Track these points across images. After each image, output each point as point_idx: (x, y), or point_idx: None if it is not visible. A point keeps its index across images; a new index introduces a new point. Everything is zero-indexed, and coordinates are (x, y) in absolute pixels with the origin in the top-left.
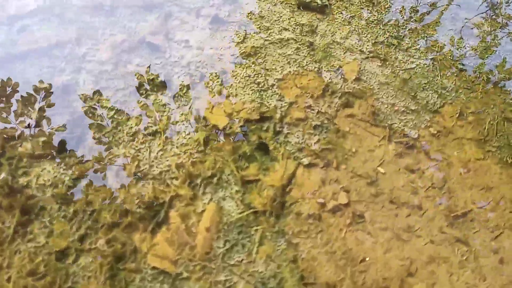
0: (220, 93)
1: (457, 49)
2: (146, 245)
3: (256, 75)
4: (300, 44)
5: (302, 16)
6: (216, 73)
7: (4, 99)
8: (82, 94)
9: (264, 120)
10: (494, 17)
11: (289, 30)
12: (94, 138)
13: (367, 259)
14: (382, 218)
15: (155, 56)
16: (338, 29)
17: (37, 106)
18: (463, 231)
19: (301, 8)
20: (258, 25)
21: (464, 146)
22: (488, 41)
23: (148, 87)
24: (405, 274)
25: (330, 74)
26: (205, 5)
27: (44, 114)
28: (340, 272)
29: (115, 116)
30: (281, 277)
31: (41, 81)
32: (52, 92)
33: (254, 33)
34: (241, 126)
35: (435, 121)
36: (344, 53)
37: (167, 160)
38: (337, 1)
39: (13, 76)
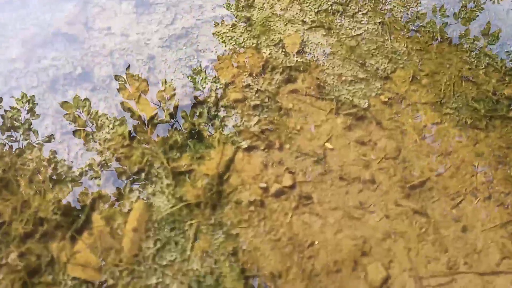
0: (147, 80)
1: (441, 19)
2: (65, 254)
3: (187, 58)
4: (235, 21)
5: None
6: (143, 59)
7: None
8: None
9: (197, 106)
10: None
11: (223, 7)
12: (1, 141)
13: (316, 243)
14: (332, 197)
15: (72, 47)
16: (278, 0)
17: None
18: (420, 202)
19: None
20: (188, 3)
21: (419, 111)
22: (470, 7)
23: (65, 82)
24: (358, 254)
25: (270, 49)
26: None
27: None
28: (286, 260)
29: (27, 116)
30: (219, 273)
31: None
32: None
33: (185, 12)
34: (170, 114)
35: (387, 88)
36: (285, 25)
37: (88, 159)
38: None
39: None
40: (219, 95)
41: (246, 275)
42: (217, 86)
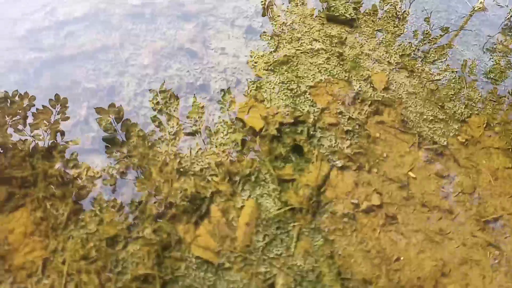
0: (255, 97)
1: (481, 67)
2: (189, 236)
3: (289, 82)
4: (330, 54)
5: (332, 28)
6: (251, 79)
7: (20, 111)
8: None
9: (298, 124)
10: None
11: (319, 41)
12: (138, 136)
13: (401, 258)
14: (414, 221)
15: (193, 62)
16: (366, 41)
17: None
18: (494, 236)
19: (330, 21)
20: (289, 35)
21: (492, 155)
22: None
23: (187, 90)
24: (438, 274)
25: (360, 83)
26: (239, 16)
27: (58, 128)
28: (376, 269)
29: (157, 116)
30: (319, 271)
31: (57, 95)
32: (67, 106)
33: (286, 42)
34: (276, 129)
35: (463, 130)
36: (373, 64)
37: (207, 158)
38: (364, 16)
39: (62, 77)
40: (316, 118)
41: (342, 277)
42: (314, 110)
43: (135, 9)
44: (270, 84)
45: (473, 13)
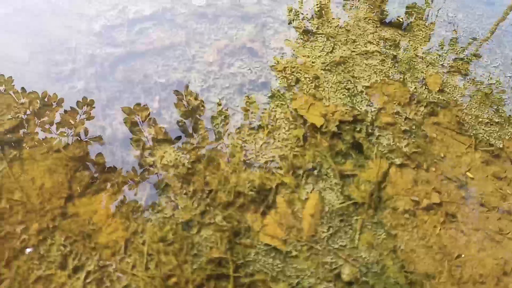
0: (314, 96)
1: None
2: (257, 224)
3: (346, 82)
4: (384, 56)
5: (385, 31)
6: (309, 78)
7: (48, 112)
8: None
9: (357, 122)
10: None
11: (373, 44)
12: (205, 128)
13: (462, 255)
14: (474, 220)
15: (254, 60)
16: (419, 44)
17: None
18: None
19: (383, 24)
20: (344, 37)
21: None
22: None
23: (249, 87)
24: (500, 273)
25: (414, 85)
26: (296, 18)
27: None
28: (438, 265)
29: (223, 111)
30: (384, 264)
31: (84, 98)
32: (94, 107)
33: (342, 44)
34: (336, 126)
35: None
36: (427, 67)
37: (271, 152)
38: (417, 20)
39: (134, 71)
40: (373, 117)
41: (405, 270)
42: (371, 109)
43: (199, 9)
44: (327, 83)
45: None
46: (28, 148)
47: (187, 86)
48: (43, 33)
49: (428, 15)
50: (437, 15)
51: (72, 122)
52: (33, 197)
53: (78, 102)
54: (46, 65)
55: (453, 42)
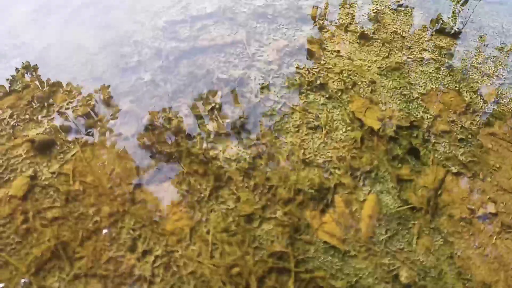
0: (370, 99)
1: None
2: (316, 222)
3: (401, 88)
4: (440, 64)
5: (440, 40)
6: (366, 81)
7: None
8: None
9: (413, 128)
10: None
11: (429, 51)
12: (265, 125)
13: None
14: None
15: (312, 61)
16: (474, 55)
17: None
18: None
19: (438, 32)
20: (400, 43)
21: None
22: None
23: (307, 87)
24: None
25: (470, 95)
26: (352, 22)
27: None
28: (494, 274)
29: (282, 109)
30: (441, 269)
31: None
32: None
33: (397, 50)
34: (394, 131)
35: None
36: (482, 77)
37: (329, 152)
38: (472, 30)
39: (197, 65)
40: (429, 124)
41: (463, 277)
42: (427, 116)
43: (259, 9)
44: (384, 88)
45: None
46: (99, 134)
47: (247, 84)
48: (111, 26)
49: (482, 26)
50: (492, 27)
51: (140, 112)
52: (104, 181)
53: (144, 93)
54: (115, 57)
55: (508, 54)
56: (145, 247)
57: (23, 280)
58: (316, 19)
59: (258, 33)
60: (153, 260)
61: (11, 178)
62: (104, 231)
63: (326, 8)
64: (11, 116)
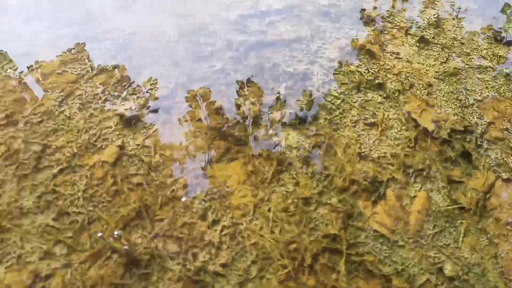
0: (426, 102)
1: None
2: (368, 211)
3: (457, 93)
4: (497, 73)
5: (499, 49)
6: (423, 84)
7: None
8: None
9: (467, 133)
10: None
11: (487, 59)
12: (325, 119)
13: None
14: None
15: (372, 61)
16: None
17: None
18: None
19: (497, 41)
20: (459, 49)
21: None
22: None
23: (366, 86)
24: None
25: None
26: (413, 26)
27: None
28: None
29: (341, 104)
30: (484, 267)
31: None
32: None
33: (456, 56)
34: (447, 134)
35: None
36: None
37: (383, 148)
38: None
39: (265, 58)
40: (483, 130)
41: (505, 277)
42: (481, 122)
43: (323, 8)
44: (440, 91)
45: None
46: (176, 114)
47: (310, 78)
48: (188, 15)
49: None
50: None
51: (212, 97)
52: (180, 156)
53: (216, 80)
54: (191, 45)
55: None
56: (214, 217)
57: (116, 232)
58: (378, 21)
59: (322, 31)
60: (221, 229)
61: (103, 146)
62: (183, 199)
63: (388, 11)
64: (103, 92)
